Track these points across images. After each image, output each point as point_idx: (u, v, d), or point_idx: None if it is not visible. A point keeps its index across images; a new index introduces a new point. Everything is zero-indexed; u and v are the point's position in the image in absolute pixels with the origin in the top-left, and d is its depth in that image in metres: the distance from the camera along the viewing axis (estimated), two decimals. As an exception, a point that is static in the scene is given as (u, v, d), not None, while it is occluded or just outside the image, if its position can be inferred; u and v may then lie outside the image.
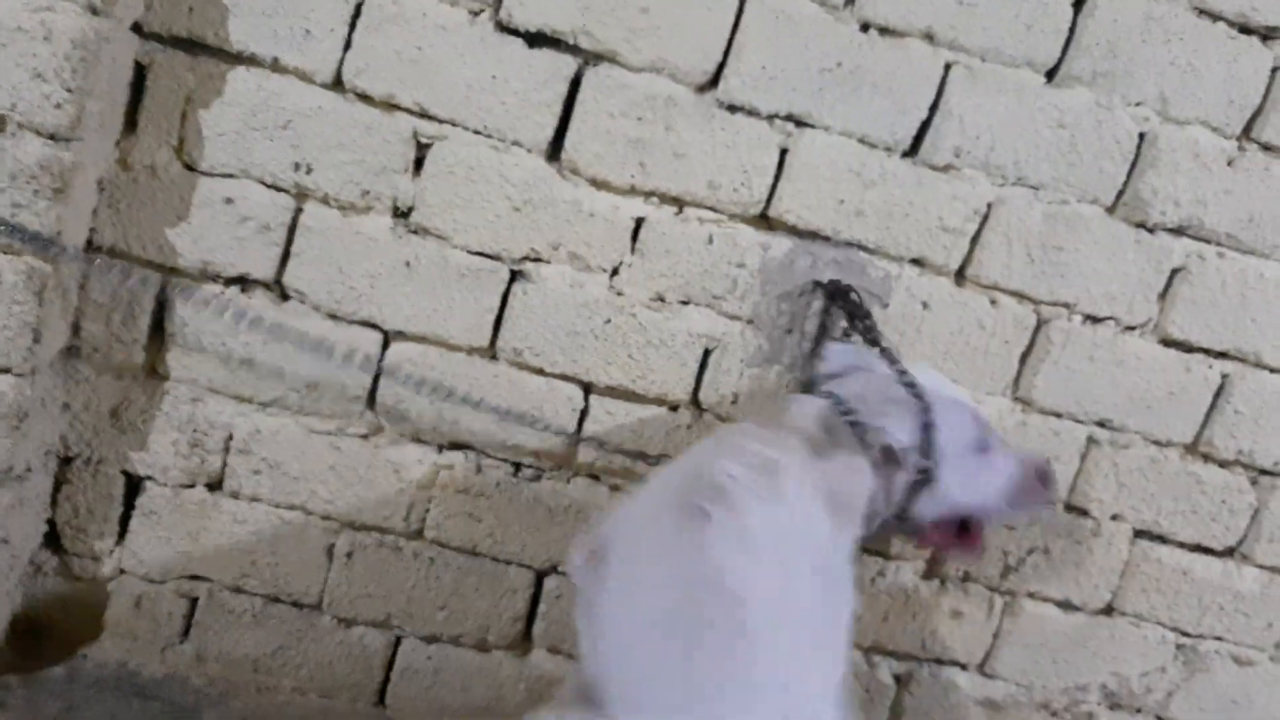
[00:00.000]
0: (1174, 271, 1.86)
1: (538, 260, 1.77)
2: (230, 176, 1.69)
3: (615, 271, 1.78)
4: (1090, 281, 1.84)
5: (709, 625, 1.19)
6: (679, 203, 1.77)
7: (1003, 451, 1.48)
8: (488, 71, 1.69)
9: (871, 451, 1.38)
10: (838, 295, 1.77)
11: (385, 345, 1.78)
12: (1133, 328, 1.88)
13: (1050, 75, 1.77)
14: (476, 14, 1.67)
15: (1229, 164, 1.82)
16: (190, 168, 1.69)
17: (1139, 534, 1.98)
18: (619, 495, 1.82)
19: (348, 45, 1.67)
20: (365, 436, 1.81)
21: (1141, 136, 1.80)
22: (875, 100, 1.74)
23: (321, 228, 1.72)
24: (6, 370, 1.56)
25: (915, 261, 1.82)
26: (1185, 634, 2.03)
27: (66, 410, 1.75)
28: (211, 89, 1.66)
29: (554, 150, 1.74)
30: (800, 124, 1.75)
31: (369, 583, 1.86)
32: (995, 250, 1.82)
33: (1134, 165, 1.81)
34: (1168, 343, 1.89)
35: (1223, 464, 1.96)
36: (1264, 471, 1.97)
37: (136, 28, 1.62)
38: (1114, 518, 1.96)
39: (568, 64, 1.70)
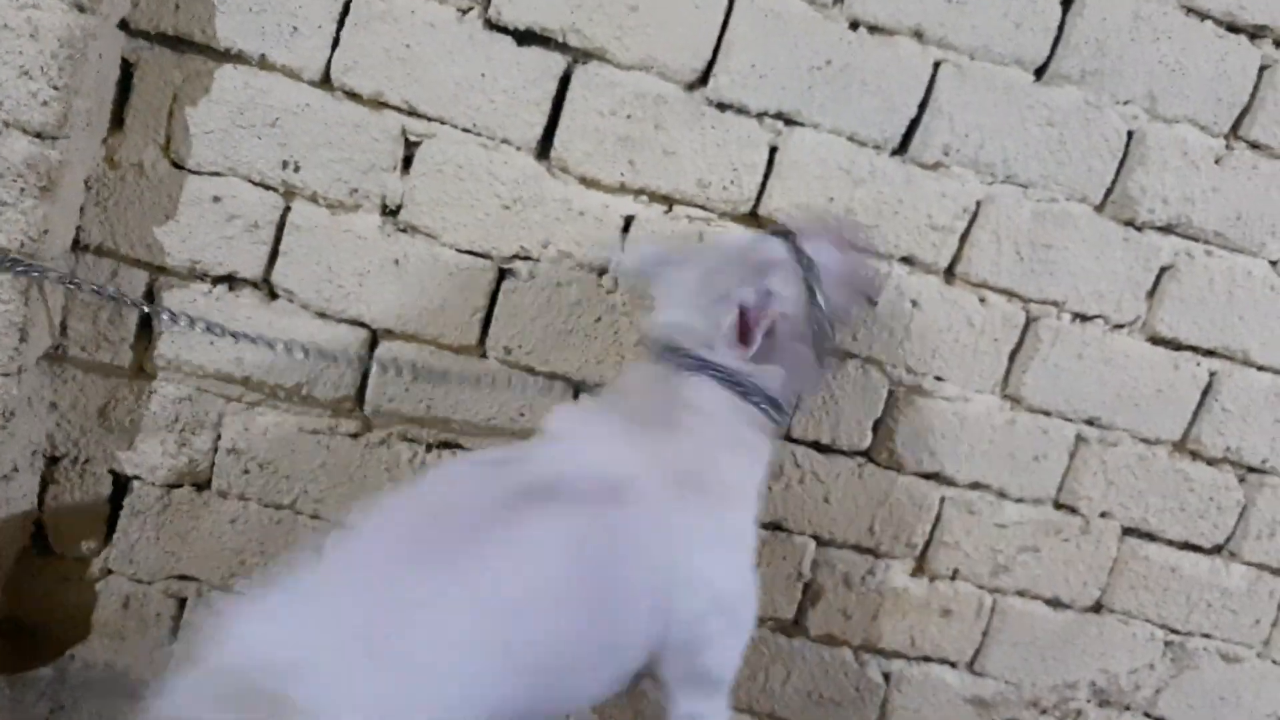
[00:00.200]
0: (1162, 270, 1.87)
1: (527, 258, 1.76)
2: (218, 175, 1.69)
3: (605, 270, 1.78)
4: (1079, 280, 1.85)
5: None
6: (669, 201, 1.77)
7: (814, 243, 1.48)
8: (477, 69, 1.68)
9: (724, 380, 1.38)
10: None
11: (374, 344, 1.78)
12: (1121, 326, 1.88)
13: (1039, 73, 1.78)
14: (465, 11, 1.67)
15: (1217, 162, 1.82)
16: (178, 166, 1.68)
17: (1127, 532, 1.98)
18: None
19: (336, 43, 1.66)
20: (354, 435, 1.80)
21: (1130, 135, 1.80)
22: (864, 98, 1.74)
23: (310, 226, 1.72)
24: (-7, 369, 1.55)
25: (905, 259, 1.82)
26: (1173, 631, 2.04)
27: (54, 410, 1.74)
28: (199, 86, 1.65)
29: (543, 148, 1.74)
30: (789, 122, 1.75)
31: (358, 582, 1.86)
32: (984, 248, 1.82)
33: (1122, 163, 1.81)
34: (1156, 341, 1.90)
35: (1211, 462, 1.96)
36: (1251, 469, 1.97)
37: (123, 25, 1.62)
38: (1102, 515, 1.96)
39: (557, 62, 1.70)
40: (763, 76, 1.72)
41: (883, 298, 1.82)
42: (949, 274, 1.84)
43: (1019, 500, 1.93)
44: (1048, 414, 1.90)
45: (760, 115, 1.74)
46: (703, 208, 1.77)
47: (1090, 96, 1.78)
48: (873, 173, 1.77)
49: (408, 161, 1.72)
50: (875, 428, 1.88)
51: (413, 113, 1.70)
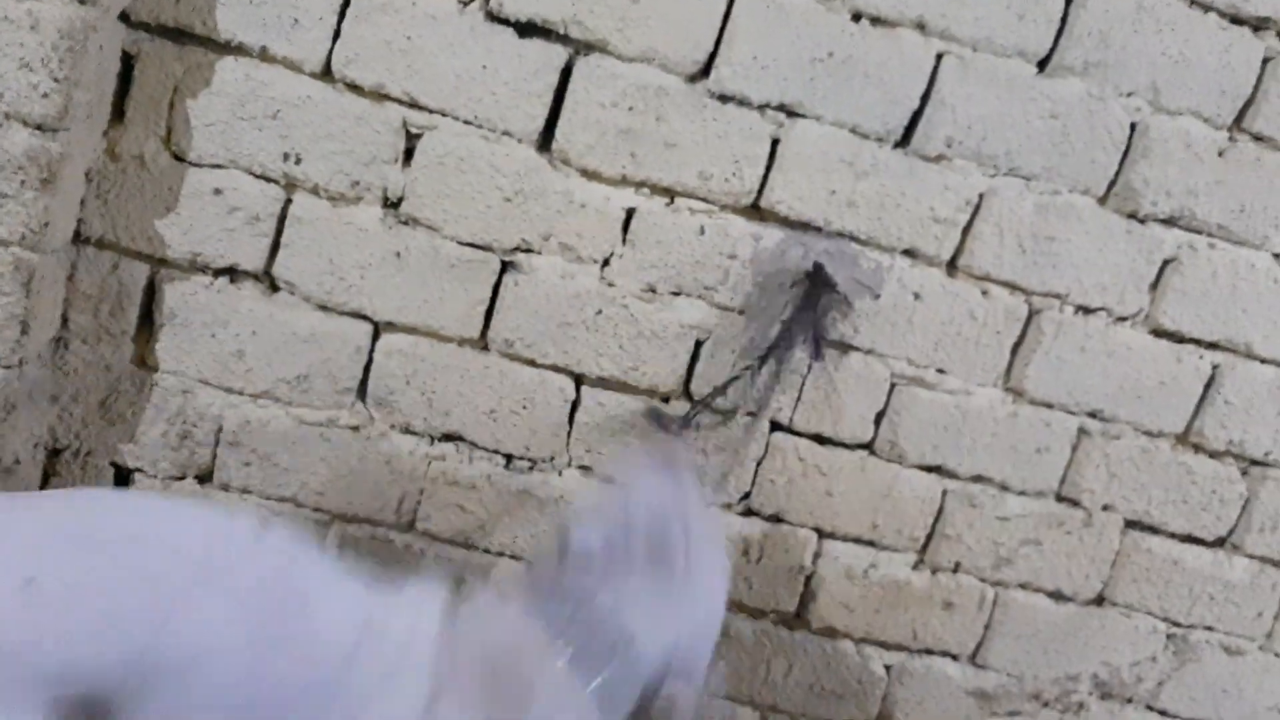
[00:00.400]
0: (1165, 262, 1.86)
1: (529, 251, 1.76)
2: (219, 167, 1.68)
3: (606, 262, 1.78)
4: (1082, 272, 1.84)
5: None
6: (670, 193, 1.77)
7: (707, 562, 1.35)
8: (478, 61, 1.68)
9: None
10: (820, 283, 1.77)
11: (376, 336, 1.78)
12: (1124, 318, 1.88)
13: (1042, 65, 1.77)
14: (467, 3, 1.67)
15: (1220, 154, 1.82)
16: (179, 158, 1.68)
17: (1130, 524, 1.98)
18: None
19: (337, 34, 1.66)
20: (356, 428, 1.80)
21: (1133, 127, 1.80)
22: (867, 90, 1.74)
23: (311, 218, 1.72)
24: (-6, 362, 1.55)
25: (907, 252, 1.82)
26: (1176, 624, 2.04)
27: (55, 402, 1.74)
28: (199, 78, 1.65)
29: (545, 141, 1.73)
30: (792, 114, 1.75)
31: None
32: (987, 241, 1.82)
33: (1125, 155, 1.81)
34: (1159, 333, 1.89)
35: (1213, 454, 1.96)
36: (1255, 462, 1.97)
37: (124, 17, 1.61)
38: (1105, 508, 1.96)
39: (558, 54, 1.70)
40: (765, 68, 1.72)
41: (885, 290, 1.82)
42: (951, 266, 1.84)
43: (1021, 493, 1.93)
44: (1050, 407, 1.90)
45: (762, 107, 1.74)
46: (704, 200, 1.77)
47: (1093, 88, 1.77)
48: (875, 165, 1.77)
49: (409, 154, 1.71)
50: (877, 420, 1.88)
51: (414, 105, 1.69)
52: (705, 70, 1.72)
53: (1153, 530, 1.99)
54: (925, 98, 1.76)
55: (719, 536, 1.37)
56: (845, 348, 1.84)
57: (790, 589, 1.94)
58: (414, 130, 1.70)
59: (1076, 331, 1.87)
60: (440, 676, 1.21)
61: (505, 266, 1.77)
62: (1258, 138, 1.82)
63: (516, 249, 1.76)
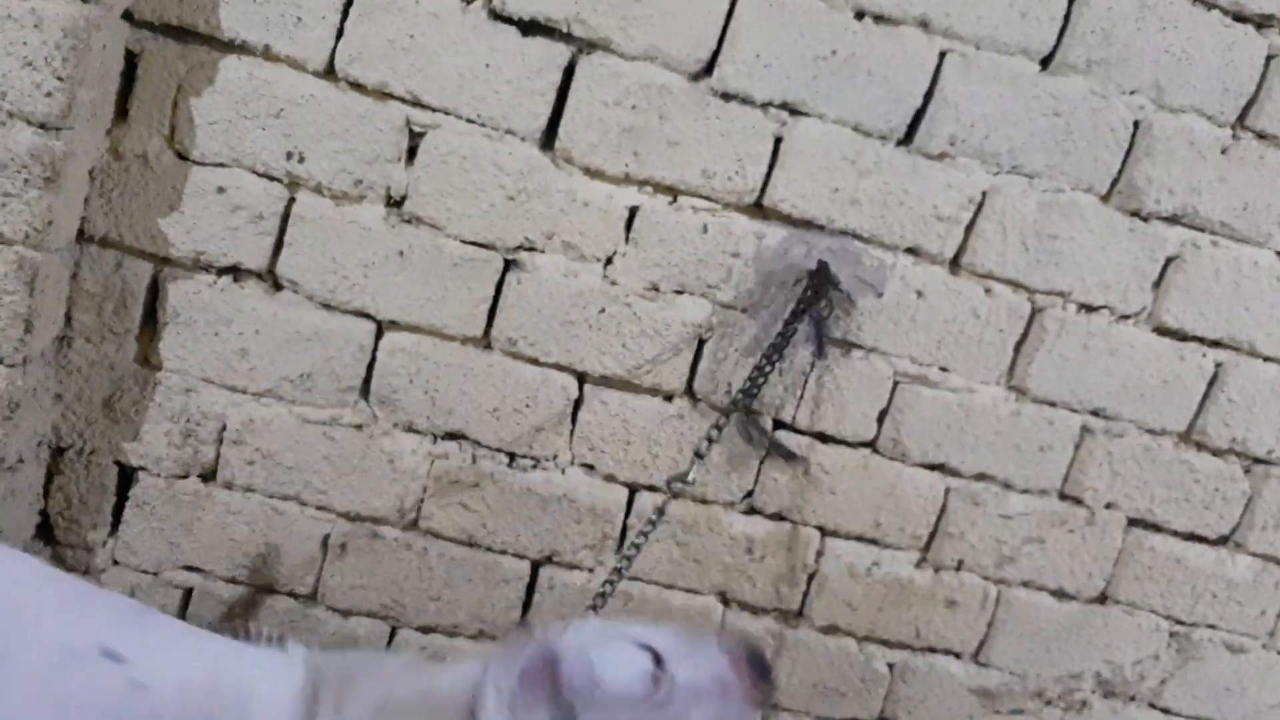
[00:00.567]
0: (1168, 260, 1.86)
1: (532, 249, 1.76)
2: (222, 165, 1.69)
3: (609, 261, 1.78)
4: (1085, 270, 1.84)
5: None
6: (673, 191, 1.77)
7: (695, 675, 1.19)
8: (481, 60, 1.68)
9: None
10: (823, 281, 1.77)
11: (379, 335, 1.78)
12: (1127, 316, 1.88)
13: (1045, 63, 1.77)
14: (469, 2, 1.66)
15: (1223, 152, 1.82)
16: (182, 156, 1.68)
17: (1133, 522, 1.98)
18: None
19: (340, 33, 1.66)
20: (359, 427, 1.80)
21: (1136, 125, 1.80)
22: (870, 88, 1.74)
23: (314, 217, 1.72)
24: (-2, 360, 1.55)
25: (910, 250, 1.82)
26: (1179, 622, 2.04)
27: (59, 400, 1.75)
28: (203, 77, 1.65)
29: (548, 139, 1.73)
30: (795, 112, 1.75)
31: (363, 573, 1.86)
32: (990, 239, 1.82)
33: (1129, 153, 1.81)
34: (1162, 331, 1.89)
35: (1216, 452, 1.96)
36: (1257, 460, 1.97)
37: (127, 15, 1.61)
38: (1108, 506, 1.96)
39: (561, 52, 1.70)
40: (768, 66, 1.72)
41: (888, 288, 1.81)
42: (954, 265, 1.84)
43: (1024, 491, 1.93)
44: (1053, 405, 1.90)
45: (765, 105, 1.74)
46: (707, 198, 1.77)
47: (1096, 86, 1.77)
48: (878, 163, 1.77)
49: (412, 152, 1.72)
50: (880, 419, 1.88)
51: (417, 103, 1.69)
52: (708, 69, 1.72)
53: (1155, 528, 1.99)
54: (928, 96, 1.76)
55: None
56: (848, 346, 1.84)
57: (793, 587, 1.94)
58: (417, 129, 1.70)
59: (1079, 330, 1.87)
60: None
61: (508, 265, 1.77)
62: (1261, 135, 1.82)
63: (519, 247, 1.76)
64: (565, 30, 1.68)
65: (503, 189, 1.73)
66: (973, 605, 1.98)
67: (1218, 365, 1.91)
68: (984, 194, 1.80)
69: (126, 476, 1.80)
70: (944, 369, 1.87)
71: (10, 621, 1.17)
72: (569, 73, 1.71)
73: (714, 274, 1.79)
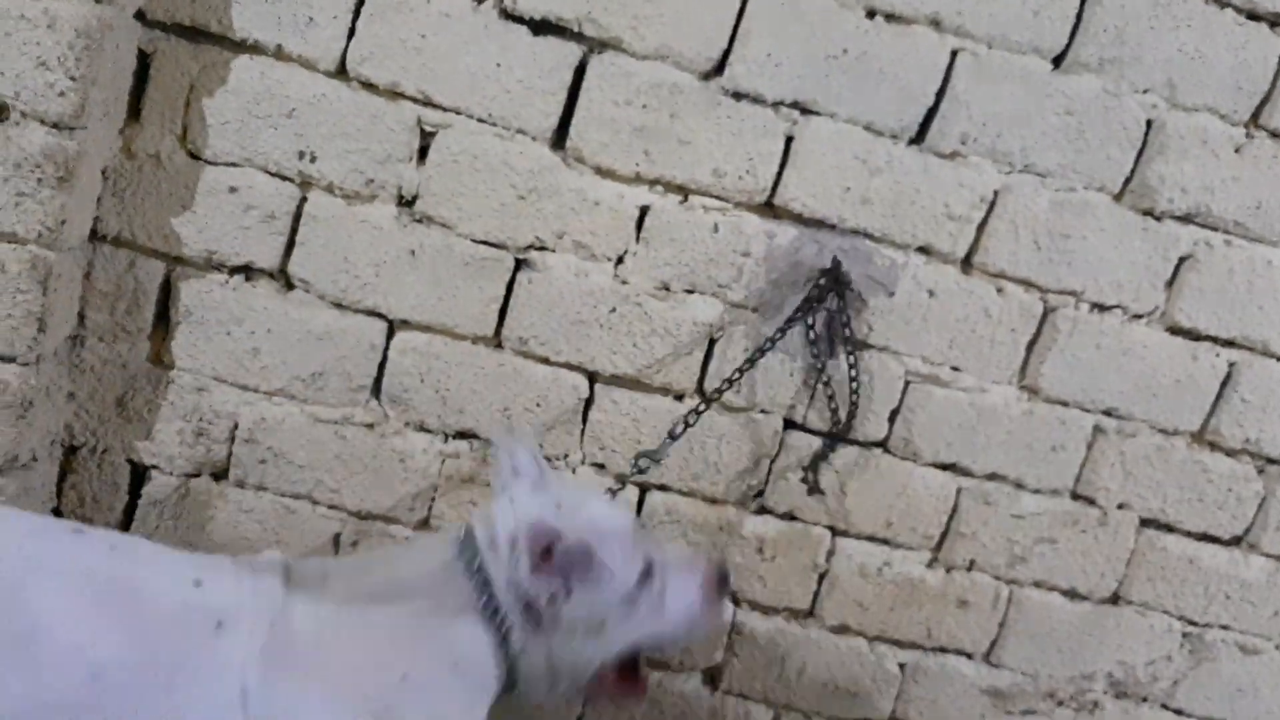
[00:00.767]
0: (1181, 259, 1.85)
1: (543, 249, 1.76)
2: (234, 165, 1.69)
3: (620, 260, 1.78)
4: (1097, 269, 1.83)
5: None
6: (684, 191, 1.77)
7: (675, 570, 1.38)
8: (492, 59, 1.68)
9: (499, 613, 1.28)
10: (835, 280, 1.77)
11: (390, 334, 1.78)
12: (1140, 316, 1.87)
13: (1057, 62, 1.76)
14: (481, 1, 1.67)
15: (1237, 151, 1.81)
16: (194, 156, 1.68)
17: (1145, 523, 1.97)
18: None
19: (351, 33, 1.66)
20: (371, 425, 1.81)
21: (1149, 124, 1.79)
22: (881, 87, 1.74)
23: (326, 216, 1.72)
24: (11, 359, 1.56)
25: (921, 249, 1.81)
26: (1191, 623, 2.03)
27: (72, 399, 1.75)
28: (215, 77, 1.66)
29: (559, 138, 1.74)
30: (806, 111, 1.75)
31: (374, 572, 1.86)
32: (1002, 238, 1.81)
33: (1141, 152, 1.80)
34: (1175, 331, 1.88)
35: (1230, 453, 1.95)
36: (1271, 460, 1.96)
37: (140, 15, 1.62)
38: (1120, 507, 1.95)
39: (572, 51, 1.70)
40: (779, 65, 1.71)
41: (900, 288, 1.81)
42: (966, 264, 1.83)
43: (1036, 491, 1.93)
44: (1065, 405, 1.89)
45: (776, 104, 1.74)
46: (718, 198, 1.77)
47: (1109, 85, 1.77)
48: (889, 162, 1.77)
49: (423, 152, 1.72)
50: (891, 418, 1.88)
51: (428, 103, 1.70)
52: (719, 68, 1.72)
53: (1168, 529, 1.98)
54: (940, 95, 1.75)
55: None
56: (860, 345, 1.84)
57: (804, 586, 1.94)
58: (428, 128, 1.71)
59: (1092, 329, 1.86)
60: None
61: (519, 264, 1.77)
62: (1274, 134, 1.81)
63: (530, 247, 1.76)
64: (576, 30, 1.68)
65: (514, 188, 1.73)
66: (984, 605, 1.98)
67: (1231, 365, 1.91)
68: (996, 193, 1.79)
69: (139, 475, 1.81)
70: (956, 368, 1.86)
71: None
72: (580, 72, 1.71)
73: (725, 273, 1.79)
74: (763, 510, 1.90)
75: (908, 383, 1.86)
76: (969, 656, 2.01)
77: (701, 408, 1.72)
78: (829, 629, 1.97)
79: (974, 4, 1.71)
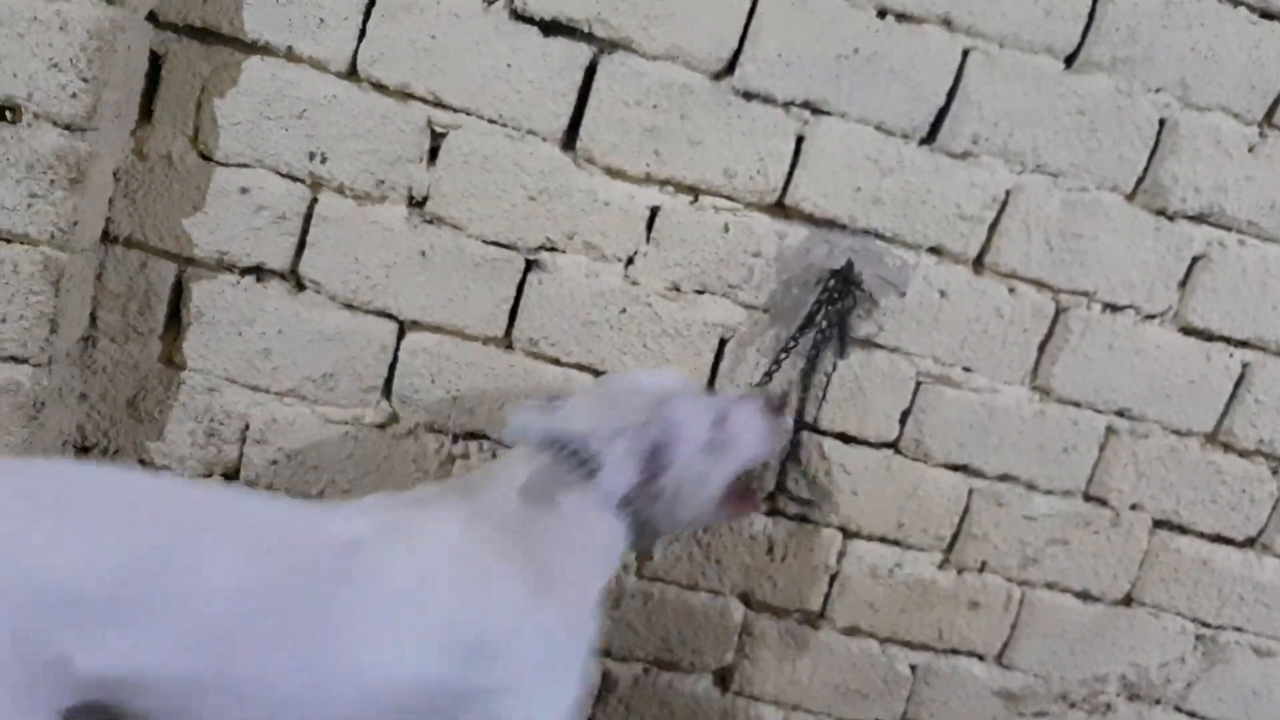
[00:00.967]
0: (1194, 259, 1.84)
1: (553, 250, 1.76)
2: (245, 166, 1.69)
3: (630, 261, 1.78)
4: (1110, 269, 1.83)
5: None
6: (694, 191, 1.77)
7: (736, 408, 1.54)
8: (503, 60, 1.68)
9: (604, 493, 1.40)
10: (847, 281, 1.77)
11: (401, 335, 1.78)
12: (1152, 316, 1.86)
13: (1069, 61, 1.76)
14: (491, 2, 1.67)
15: (1250, 150, 1.80)
16: (206, 157, 1.69)
17: (1158, 524, 1.96)
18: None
19: (362, 34, 1.66)
20: (381, 426, 1.81)
21: (1162, 123, 1.78)
22: (892, 87, 1.73)
23: (337, 217, 1.72)
24: (24, 360, 1.56)
25: (933, 250, 1.81)
26: (1205, 625, 2.02)
27: (84, 400, 1.76)
28: (226, 78, 1.66)
29: (569, 139, 1.73)
30: (817, 111, 1.74)
31: (385, 572, 1.86)
32: (1014, 238, 1.80)
33: (1154, 152, 1.79)
34: (1188, 331, 1.88)
35: (1243, 454, 1.94)
36: (1285, 461, 1.95)
37: (151, 17, 1.62)
38: (1133, 508, 1.94)
39: (583, 52, 1.70)
40: (789, 65, 1.71)
41: (911, 288, 1.81)
42: (978, 264, 1.83)
43: (1048, 492, 1.92)
44: (1078, 405, 1.88)
45: (787, 104, 1.73)
46: (729, 198, 1.77)
47: (1121, 84, 1.76)
48: (900, 162, 1.76)
49: (434, 153, 1.72)
50: (903, 419, 1.87)
51: (439, 104, 1.70)
52: (730, 68, 1.72)
53: (1181, 530, 1.97)
54: (951, 94, 1.75)
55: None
56: (871, 346, 1.83)
57: (815, 588, 1.94)
58: (439, 129, 1.71)
59: (1104, 329, 1.85)
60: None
61: (529, 265, 1.77)
62: (1289, 133, 1.81)
63: (541, 247, 1.76)
64: (586, 30, 1.68)
65: (524, 189, 1.73)
66: (996, 607, 1.97)
67: (1244, 366, 1.90)
68: (1008, 193, 1.79)
69: (150, 476, 1.81)
70: (967, 369, 1.86)
71: None
72: (590, 72, 1.71)
73: (735, 274, 1.79)
74: (773, 511, 1.89)
75: (919, 383, 1.86)
76: (981, 658, 2.00)
77: (792, 344, 1.79)
78: (840, 630, 1.96)
79: (985, 3, 1.71)
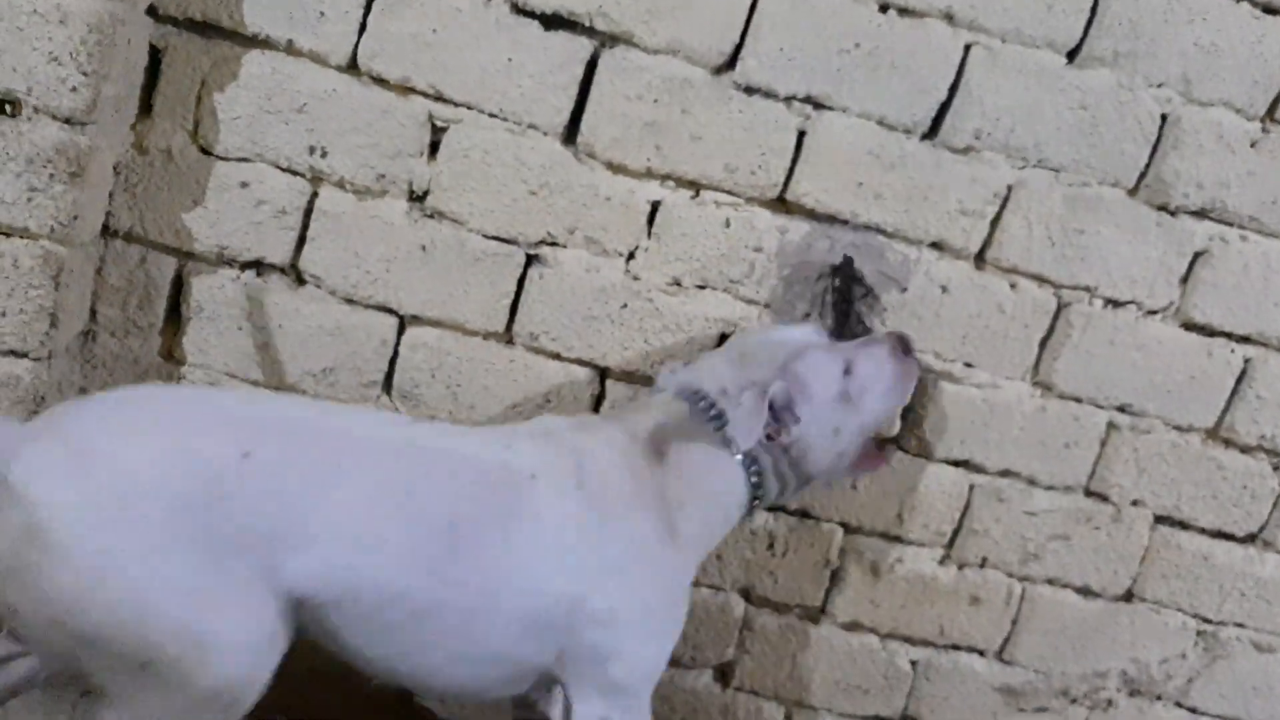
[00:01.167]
0: (1196, 255, 1.84)
1: (554, 244, 1.76)
2: (246, 160, 1.69)
3: (631, 255, 1.78)
4: (1111, 265, 1.82)
5: None
6: (695, 186, 1.76)
7: (864, 354, 1.54)
8: (503, 54, 1.68)
9: (733, 445, 1.46)
10: (848, 276, 1.77)
11: (401, 329, 1.78)
12: (1154, 312, 1.86)
13: (1071, 56, 1.75)
14: (492, -4, 1.67)
15: (1252, 146, 1.80)
16: (206, 151, 1.68)
17: (1159, 520, 1.96)
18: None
19: (363, 28, 1.66)
20: (381, 421, 1.81)
21: (1164, 118, 1.78)
22: (894, 82, 1.73)
23: (337, 212, 1.72)
24: (24, 355, 1.56)
25: (934, 245, 1.81)
26: (1206, 620, 2.02)
27: (83, 395, 1.76)
28: (226, 72, 1.66)
29: (570, 133, 1.73)
30: (818, 106, 1.74)
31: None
32: (1015, 233, 1.80)
33: (1156, 147, 1.79)
34: (1189, 327, 1.87)
35: (1244, 449, 1.94)
36: (1286, 457, 1.95)
37: (151, 10, 1.62)
38: (1134, 503, 1.94)
39: (584, 46, 1.69)
40: (791, 60, 1.71)
41: (912, 283, 1.80)
42: (979, 259, 1.83)
43: (1049, 488, 1.92)
44: (1079, 401, 1.88)
45: (788, 99, 1.73)
46: (730, 193, 1.76)
47: (1123, 79, 1.76)
48: (902, 157, 1.76)
49: (434, 147, 1.72)
50: (904, 415, 1.87)
51: (439, 98, 1.69)
52: (731, 62, 1.71)
53: (1182, 526, 1.97)
54: (953, 89, 1.75)
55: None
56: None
57: (816, 584, 1.94)
58: (439, 123, 1.70)
59: (1106, 325, 1.85)
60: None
61: (530, 260, 1.77)
62: (1291, 129, 1.80)
63: (541, 242, 1.76)
64: (588, 24, 1.68)
65: (525, 183, 1.73)
66: (997, 602, 1.97)
67: (1246, 361, 1.89)
68: (1009, 188, 1.78)
69: (151, 470, 1.81)
70: (969, 364, 1.86)
71: None
72: (591, 67, 1.70)
73: (736, 269, 1.78)
74: (775, 507, 1.89)
75: (920, 379, 1.85)
76: (981, 654, 2.00)
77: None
78: (840, 626, 1.96)
79: (987, -2, 1.71)
